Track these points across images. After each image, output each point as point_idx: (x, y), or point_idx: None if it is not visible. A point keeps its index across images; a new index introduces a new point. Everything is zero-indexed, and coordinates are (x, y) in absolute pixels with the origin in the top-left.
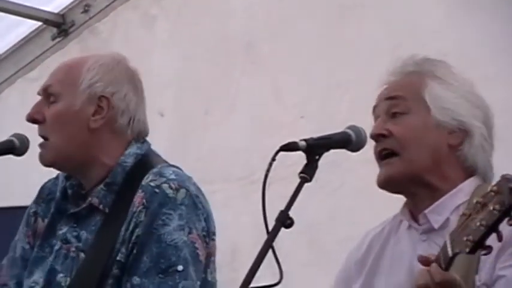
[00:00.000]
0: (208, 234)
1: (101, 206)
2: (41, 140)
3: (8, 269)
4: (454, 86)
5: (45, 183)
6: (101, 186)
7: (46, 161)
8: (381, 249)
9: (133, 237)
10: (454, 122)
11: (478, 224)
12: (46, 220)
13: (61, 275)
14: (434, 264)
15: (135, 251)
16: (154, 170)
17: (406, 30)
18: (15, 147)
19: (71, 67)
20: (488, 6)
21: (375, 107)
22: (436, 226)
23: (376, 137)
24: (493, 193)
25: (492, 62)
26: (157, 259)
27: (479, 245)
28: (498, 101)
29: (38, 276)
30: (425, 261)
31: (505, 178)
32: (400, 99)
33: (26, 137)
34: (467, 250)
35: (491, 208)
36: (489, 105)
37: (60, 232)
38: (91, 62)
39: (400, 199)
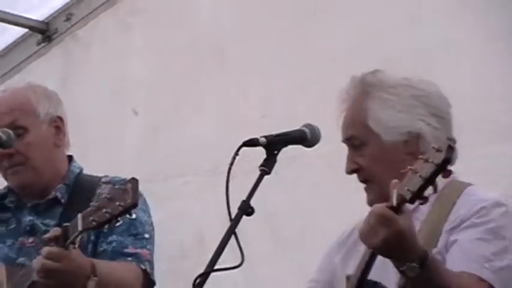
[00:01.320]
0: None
1: (62, 199)
2: None
3: None
4: (392, 100)
5: None
6: (61, 185)
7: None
8: (356, 238)
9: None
10: (403, 135)
11: (417, 176)
12: None
13: (21, 259)
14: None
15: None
16: (106, 176)
17: (366, 33)
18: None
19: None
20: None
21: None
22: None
23: (350, 172)
24: (434, 150)
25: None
26: (129, 227)
27: (417, 195)
28: None
29: None
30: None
31: (450, 139)
32: (355, 138)
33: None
34: (408, 199)
35: (430, 163)
36: (429, 88)
37: (24, 221)
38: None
39: (351, 192)
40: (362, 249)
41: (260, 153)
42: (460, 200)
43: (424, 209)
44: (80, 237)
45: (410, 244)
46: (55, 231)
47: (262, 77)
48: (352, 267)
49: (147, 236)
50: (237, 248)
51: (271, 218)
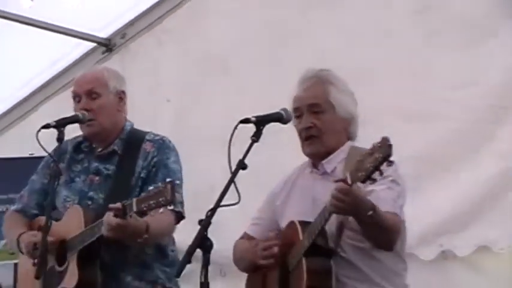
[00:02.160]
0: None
1: (118, 150)
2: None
3: (28, 197)
4: (344, 90)
5: (58, 145)
6: (117, 140)
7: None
8: (292, 185)
9: (152, 164)
10: (348, 115)
11: (368, 165)
12: (63, 164)
13: (91, 193)
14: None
15: (152, 172)
16: (149, 133)
17: (326, 50)
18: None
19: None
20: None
21: (297, 108)
22: (329, 171)
23: (306, 128)
24: (378, 146)
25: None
26: (166, 176)
27: (368, 178)
28: None
29: (67, 194)
30: (339, 180)
31: (385, 138)
32: (317, 105)
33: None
34: (361, 180)
35: (377, 156)
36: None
37: (92, 166)
38: (109, 73)
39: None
40: (294, 195)
41: (251, 128)
42: None
43: (339, 169)
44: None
45: (364, 202)
46: (118, 205)
47: (256, 81)
48: (290, 210)
49: (178, 182)
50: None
51: (258, 171)
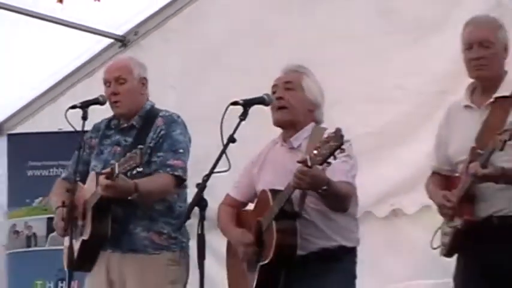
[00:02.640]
0: (190, 142)
1: (136, 125)
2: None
3: (71, 167)
4: (314, 81)
5: (95, 124)
6: (137, 117)
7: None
8: (265, 157)
9: (159, 135)
10: (315, 100)
11: (324, 151)
12: (97, 140)
13: (113, 161)
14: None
15: (159, 142)
16: (163, 111)
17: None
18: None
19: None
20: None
21: (275, 85)
22: (295, 146)
23: (278, 98)
24: (333, 136)
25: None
26: (171, 145)
27: (324, 161)
28: None
29: (95, 164)
30: (301, 161)
31: (338, 129)
32: (291, 83)
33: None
34: (319, 163)
35: (331, 144)
36: None
37: (114, 139)
38: (134, 62)
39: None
40: (267, 165)
41: (240, 109)
42: None
43: (304, 145)
44: (116, 174)
45: (320, 180)
46: (108, 170)
47: (244, 71)
48: (263, 178)
49: (181, 150)
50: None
51: (245, 144)
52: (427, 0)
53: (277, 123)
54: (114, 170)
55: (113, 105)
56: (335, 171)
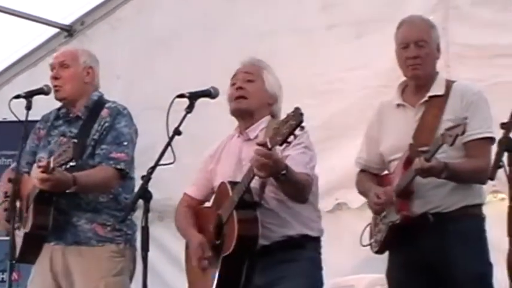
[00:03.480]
0: (136, 134)
1: (82, 116)
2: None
3: (23, 158)
4: (273, 76)
5: (43, 115)
6: (82, 108)
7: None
8: (222, 149)
9: (103, 128)
10: (273, 93)
11: (284, 131)
12: (44, 131)
13: (61, 148)
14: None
15: (103, 134)
16: (109, 102)
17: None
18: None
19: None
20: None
21: (234, 76)
22: (252, 137)
23: (238, 88)
24: (292, 115)
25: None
26: (115, 138)
27: (284, 141)
28: None
29: (42, 155)
30: (260, 144)
31: (297, 108)
32: (251, 75)
33: None
34: (279, 143)
35: (291, 123)
36: None
37: (60, 129)
38: (82, 51)
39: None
40: (224, 156)
41: (186, 101)
42: None
43: (260, 136)
44: (52, 168)
45: (280, 163)
46: (44, 162)
47: (192, 61)
48: (220, 171)
49: (125, 143)
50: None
51: (191, 137)
52: None
53: (236, 112)
54: (50, 163)
55: (55, 90)
56: (293, 163)
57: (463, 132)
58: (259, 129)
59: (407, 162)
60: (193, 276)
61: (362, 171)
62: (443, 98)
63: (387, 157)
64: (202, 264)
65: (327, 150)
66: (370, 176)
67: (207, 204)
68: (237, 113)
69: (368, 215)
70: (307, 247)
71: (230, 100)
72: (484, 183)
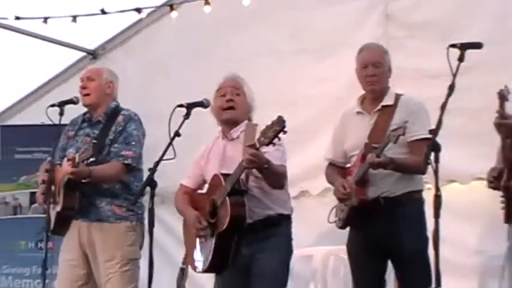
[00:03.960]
0: (144, 136)
1: (102, 120)
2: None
3: (55, 152)
4: (250, 88)
5: (72, 119)
6: (103, 114)
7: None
8: (210, 150)
9: (118, 130)
10: (251, 104)
11: (270, 134)
12: (73, 132)
13: (84, 147)
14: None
15: (117, 135)
16: (124, 110)
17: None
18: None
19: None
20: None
21: (222, 88)
22: (234, 137)
23: (229, 100)
24: (276, 122)
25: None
26: (125, 138)
27: (270, 143)
28: None
29: (71, 150)
30: (250, 145)
31: (280, 116)
32: (237, 89)
33: None
34: (266, 144)
35: (276, 128)
36: None
37: (85, 131)
38: (105, 70)
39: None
40: (211, 155)
41: (184, 110)
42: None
43: (241, 136)
44: (77, 162)
45: (264, 159)
46: (72, 157)
47: (187, 79)
48: (210, 167)
49: (133, 143)
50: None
51: (188, 138)
52: (331, 27)
53: (227, 121)
54: (75, 158)
55: (83, 97)
56: (272, 158)
57: (404, 133)
58: (240, 130)
59: (363, 157)
60: (190, 246)
61: (330, 164)
62: (392, 107)
63: (349, 153)
64: (201, 233)
65: (294, 150)
66: (336, 169)
67: (200, 191)
68: (228, 121)
69: (325, 200)
70: (282, 224)
71: (220, 109)
72: (423, 174)
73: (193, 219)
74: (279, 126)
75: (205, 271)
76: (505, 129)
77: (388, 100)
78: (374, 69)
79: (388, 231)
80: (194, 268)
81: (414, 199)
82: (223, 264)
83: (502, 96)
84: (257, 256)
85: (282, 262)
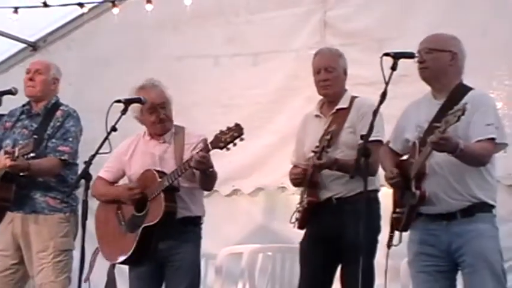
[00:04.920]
0: (81, 132)
1: (41, 114)
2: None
3: None
4: (170, 97)
5: (11, 110)
6: (42, 107)
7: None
8: (135, 147)
9: (56, 126)
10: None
11: (227, 139)
12: (10, 123)
13: (21, 141)
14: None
15: (55, 130)
16: (63, 105)
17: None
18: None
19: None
20: None
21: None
22: (167, 140)
23: (161, 120)
24: (234, 128)
25: None
26: (63, 134)
27: (225, 147)
28: None
29: (8, 142)
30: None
31: (238, 124)
32: (163, 103)
33: None
34: (221, 148)
35: (234, 134)
36: None
37: (24, 123)
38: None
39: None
40: (138, 154)
41: (122, 105)
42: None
43: (171, 140)
44: (16, 156)
45: (211, 163)
46: (11, 151)
47: (127, 73)
48: (134, 163)
49: (70, 139)
50: None
51: (123, 133)
52: (266, 32)
53: (161, 134)
54: (15, 152)
55: (27, 87)
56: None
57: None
58: (170, 135)
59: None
60: (107, 237)
61: (294, 167)
62: (346, 110)
63: (306, 155)
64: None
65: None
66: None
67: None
68: (162, 133)
69: (257, 199)
70: (197, 224)
71: (154, 123)
72: (374, 175)
73: (125, 191)
74: (237, 132)
75: (122, 263)
76: (446, 143)
77: (343, 103)
78: (326, 74)
79: (332, 224)
80: (113, 259)
81: (366, 198)
82: (144, 257)
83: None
84: (173, 251)
85: (196, 258)
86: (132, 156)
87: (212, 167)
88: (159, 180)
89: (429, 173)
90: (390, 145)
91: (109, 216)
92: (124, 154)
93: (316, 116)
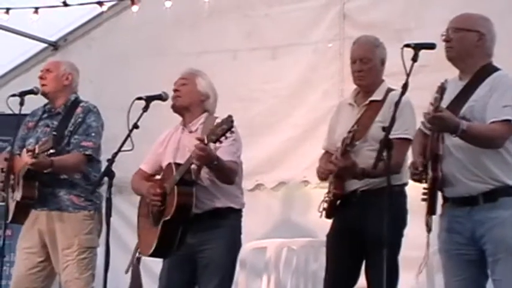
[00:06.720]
0: (102, 127)
1: (62, 112)
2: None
3: (14, 142)
4: (205, 78)
5: (33, 110)
6: (62, 106)
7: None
8: (169, 139)
9: (77, 122)
10: (204, 92)
11: (218, 132)
12: (33, 123)
13: (43, 139)
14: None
15: (76, 127)
16: (83, 102)
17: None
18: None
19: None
20: None
21: (175, 83)
22: (193, 130)
23: (175, 90)
24: (224, 120)
25: None
26: (85, 130)
27: (217, 140)
28: None
29: (31, 140)
30: (199, 139)
31: (230, 116)
32: (186, 80)
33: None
34: (213, 141)
35: (224, 127)
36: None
37: (45, 122)
38: (65, 62)
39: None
40: (171, 146)
41: (143, 102)
42: None
43: (200, 129)
44: (37, 153)
45: (213, 155)
46: (32, 148)
47: (146, 72)
48: (167, 155)
49: (93, 134)
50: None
51: (146, 130)
52: (284, 26)
53: (173, 108)
54: (35, 149)
55: (41, 87)
56: (224, 152)
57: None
58: (199, 123)
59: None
60: (142, 228)
61: (325, 153)
62: (380, 103)
63: (337, 143)
64: (154, 198)
65: (249, 144)
66: (330, 157)
67: (158, 177)
68: (173, 108)
69: (280, 193)
70: (230, 217)
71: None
72: (398, 173)
73: (148, 189)
74: (227, 125)
75: (150, 255)
76: (439, 122)
77: (377, 95)
78: (361, 64)
79: (357, 216)
80: (145, 252)
81: (392, 192)
82: (168, 250)
83: (443, 90)
84: (202, 247)
85: (228, 253)
86: (166, 147)
87: (215, 159)
88: (174, 174)
89: (444, 154)
90: (421, 127)
91: (145, 211)
92: (160, 146)
93: (350, 104)
